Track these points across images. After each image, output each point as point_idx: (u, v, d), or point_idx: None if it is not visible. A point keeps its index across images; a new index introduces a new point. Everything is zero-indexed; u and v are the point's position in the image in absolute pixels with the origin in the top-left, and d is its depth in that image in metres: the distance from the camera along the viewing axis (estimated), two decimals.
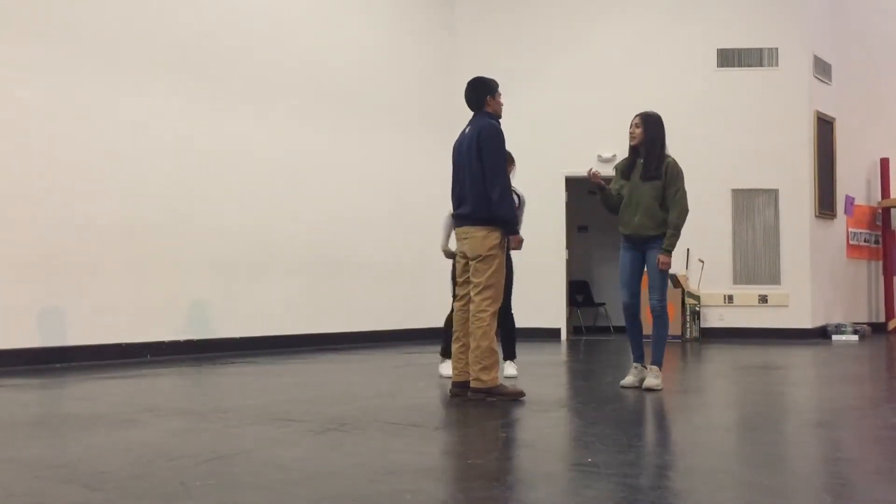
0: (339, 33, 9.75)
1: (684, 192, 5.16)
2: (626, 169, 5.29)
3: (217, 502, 2.40)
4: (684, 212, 5.14)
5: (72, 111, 7.11)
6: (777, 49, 11.10)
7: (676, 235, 5.14)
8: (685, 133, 10.55)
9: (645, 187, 5.14)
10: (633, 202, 5.20)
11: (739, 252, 11.07)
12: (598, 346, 9.67)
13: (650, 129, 5.16)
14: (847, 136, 12.11)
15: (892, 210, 12.82)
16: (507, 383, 5.22)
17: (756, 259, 11.05)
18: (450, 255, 5.78)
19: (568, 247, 11.26)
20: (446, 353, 6.01)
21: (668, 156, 5.21)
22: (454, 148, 4.95)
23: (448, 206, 5.86)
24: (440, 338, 6.07)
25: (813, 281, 11.02)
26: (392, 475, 2.74)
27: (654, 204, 5.12)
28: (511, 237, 4.72)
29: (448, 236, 5.81)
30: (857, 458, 3.05)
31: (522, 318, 10.81)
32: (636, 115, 5.27)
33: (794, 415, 4.12)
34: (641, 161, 5.20)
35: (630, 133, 5.23)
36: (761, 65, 11.11)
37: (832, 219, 11.75)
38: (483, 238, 4.64)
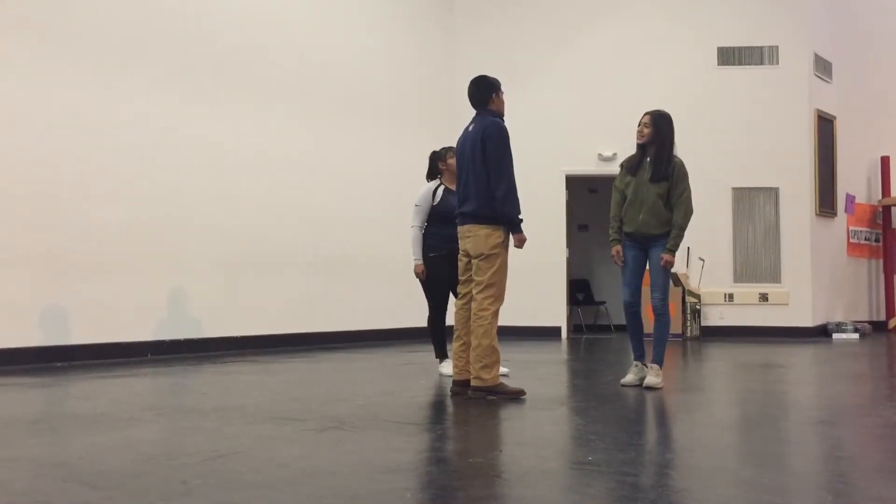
0: (339, 34, 9.75)
1: (690, 193, 5.14)
2: (632, 166, 5.27)
3: (218, 501, 2.40)
4: (689, 212, 5.12)
5: (73, 111, 7.11)
6: (777, 47, 11.09)
7: (681, 236, 5.13)
8: (685, 131, 10.52)
9: (651, 186, 5.12)
10: (637, 200, 5.18)
11: (740, 250, 11.07)
12: (599, 344, 9.67)
13: (661, 130, 5.12)
14: (848, 134, 12.11)
15: (893, 208, 12.81)
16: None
17: (756, 257, 11.05)
18: (423, 272, 5.79)
19: (568, 245, 11.26)
20: (441, 354, 6.02)
21: (675, 156, 5.19)
22: (457, 146, 4.95)
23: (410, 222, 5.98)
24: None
25: (813, 279, 11.01)
26: (392, 473, 2.74)
27: (659, 202, 5.11)
28: (514, 236, 4.72)
29: (420, 250, 5.83)
30: (857, 456, 3.05)
31: (523, 316, 10.91)
32: (646, 114, 5.21)
33: (794, 413, 4.13)
34: (649, 160, 5.18)
35: (638, 131, 5.19)
36: (762, 63, 11.10)
37: (833, 217, 11.74)
38: (486, 236, 4.64)
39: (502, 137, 4.66)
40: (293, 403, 4.48)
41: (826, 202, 11.49)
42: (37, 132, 6.88)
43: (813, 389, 5.14)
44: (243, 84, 8.58)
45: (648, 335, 5.27)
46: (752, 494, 2.44)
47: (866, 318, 12.56)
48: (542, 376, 5.91)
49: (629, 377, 5.32)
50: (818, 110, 11.29)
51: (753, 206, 11.08)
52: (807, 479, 2.68)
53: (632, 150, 5.38)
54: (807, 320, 10.94)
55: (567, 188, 11.16)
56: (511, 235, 4.73)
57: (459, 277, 4.92)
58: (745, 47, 11.12)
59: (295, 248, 9.07)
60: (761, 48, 11.11)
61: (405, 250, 8.79)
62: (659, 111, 5.21)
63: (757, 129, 11.07)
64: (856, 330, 11.14)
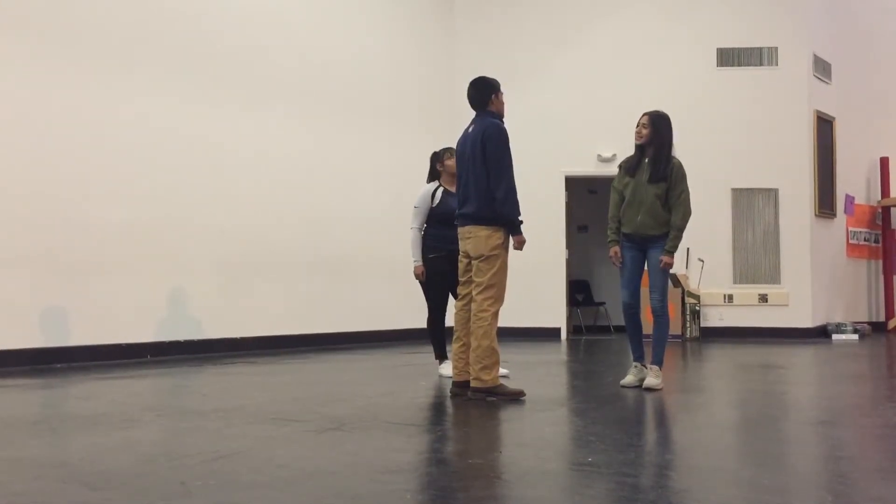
0: (339, 34, 9.75)
1: (688, 194, 5.14)
2: (630, 167, 5.27)
3: (218, 501, 2.40)
4: (688, 213, 5.12)
5: (73, 111, 7.11)
6: (777, 48, 11.09)
7: (679, 237, 5.13)
8: (685, 132, 10.54)
9: (649, 187, 5.12)
10: (635, 201, 5.18)
11: (739, 251, 11.07)
12: (599, 345, 9.67)
13: (660, 130, 5.12)
14: (847, 135, 12.11)
15: (892, 209, 12.82)
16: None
17: (756, 258, 11.05)
18: (422, 273, 5.80)
19: (568, 246, 11.26)
20: (441, 355, 6.03)
21: (674, 157, 5.19)
22: (457, 147, 4.95)
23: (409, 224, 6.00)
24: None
25: (813, 280, 11.02)
26: (392, 474, 2.74)
27: (657, 203, 5.11)
28: (513, 237, 4.72)
29: (420, 252, 5.85)
30: (857, 456, 3.05)
31: (522, 317, 10.90)
32: (644, 114, 5.21)
33: (794, 414, 4.13)
34: (647, 161, 5.18)
35: (637, 132, 5.19)
36: (761, 64, 11.11)
37: (832, 218, 11.74)
38: (486, 238, 4.65)
39: (502, 139, 4.67)
40: (293, 404, 4.48)
41: (825, 203, 11.49)
42: (37, 132, 6.88)
43: (813, 390, 5.14)
44: (243, 84, 8.58)
45: (648, 336, 5.27)
46: (751, 495, 2.44)
47: (866, 319, 12.57)
48: (541, 377, 5.91)
49: (629, 378, 5.33)
50: (817, 111, 11.30)
51: (753, 206, 11.08)
52: (807, 479, 2.69)
53: (631, 150, 5.38)
54: (806, 321, 10.94)
55: (567, 189, 11.16)
56: (510, 237, 4.74)
57: (459, 278, 4.92)
58: (744, 48, 11.13)
59: (295, 248, 9.07)
60: (761, 49, 11.11)
61: (405, 251, 8.81)
62: (657, 112, 5.21)
63: (756, 130, 11.07)
64: (855, 331, 11.14)
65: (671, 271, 8.94)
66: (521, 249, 4.77)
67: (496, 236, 4.65)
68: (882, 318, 12.71)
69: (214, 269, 8.19)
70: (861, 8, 12.71)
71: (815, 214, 11.19)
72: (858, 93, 12.44)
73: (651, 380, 5.12)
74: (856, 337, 10.99)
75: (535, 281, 10.75)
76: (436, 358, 6.08)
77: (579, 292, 13.25)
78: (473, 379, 4.65)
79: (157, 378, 5.90)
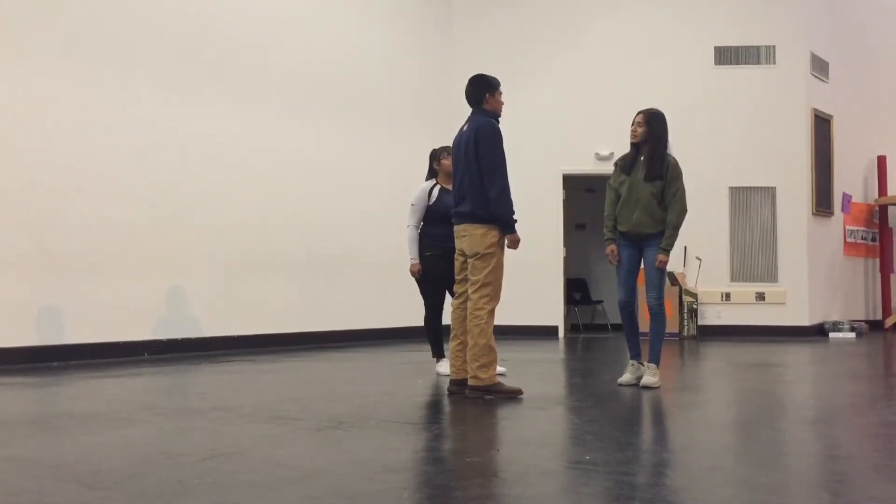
0: (337, 33, 9.74)
1: (684, 192, 5.15)
2: (626, 165, 5.27)
3: (215, 501, 2.40)
4: (683, 211, 5.13)
5: (72, 111, 7.09)
6: (774, 47, 11.09)
7: (675, 235, 5.14)
8: (682, 131, 10.52)
9: (645, 185, 5.12)
10: (632, 199, 5.18)
11: (737, 250, 11.08)
12: (596, 343, 9.68)
13: (655, 128, 5.12)
14: (844, 133, 12.11)
15: (889, 207, 12.83)
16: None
17: (753, 257, 11.06)
18: (418, 271, 5.81)
19: (565, 244, 11.26)
20: (438, 353, 6.03)
21: (670, 155, 5.19)
22: (453, 145, 4.95)
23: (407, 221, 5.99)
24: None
25: (810, 278, 11.03)
26: (390, 473, 2.74)
27: (653, 202, 5.11)
28: (507, 236, 4.72)
29: (417, 250, 5.85)
30: (854, 455, 3.06)
31: (520, 315, 10.91)
32: (639, 113, 5.21)
33: (791, 412, 4.13)
34: (643, 159, 5.18)
35: (632, 130, 5.19)
36: (759, 62, 11.11)
37: (829, 216, 11.75)
38: (482, 236, 4.65)
39: (495, 137, 4.66)
40: (291, 403, 4.47)
41: (823, 201, 11.50)
42: (35, 132, 6.86)
43: (810, 388, 5.15)
44: (243, 84, 8.57)
45: (645, 334, 5.27)
46: (749, 494, 2.45)
47: (863, 318, 12.58)
48: (539, 375, 5.91)
49: (626, 376, 5.33)
50: (815, 109, 11.30)
51: (750, 205, 11.09)
52: (804, 478, 2.69)
53: (628, 149, 5.38)
54: (804, 319, 10.95)
55: (564, 187, 11.17)
56: (505, 236, 4.73)
57: (456, 277, 4.92)
58: (742, 47, 11.13)
59: (294, 247, 9.06)
60: (758, 48, 11.12)
61: (403, 249, 8.82)
62: (652, 110, 5.21)
63: (754, 129, 11.07)
64: (852, 329, 11.15)
65: (668, 269, 8.95)
66: (515, 248, 4.77)
67: (491, 234, 4.65)
68: (879, 317, 12.72)
69: (212, 268, 8.18)
70: (859, 6, 12.72)
71: (813, 213, 11.20)
72: (856, 91, 12.45)
73: (648, 378, 5.12)
74: (853, 335, 11.00)
75: (532, 279, 10.75)
76: (433, 356, 6.08)
77: (577, 290, 13.25)
78: (471, 377, 4.65)
79: (155, 376, 5.89)
